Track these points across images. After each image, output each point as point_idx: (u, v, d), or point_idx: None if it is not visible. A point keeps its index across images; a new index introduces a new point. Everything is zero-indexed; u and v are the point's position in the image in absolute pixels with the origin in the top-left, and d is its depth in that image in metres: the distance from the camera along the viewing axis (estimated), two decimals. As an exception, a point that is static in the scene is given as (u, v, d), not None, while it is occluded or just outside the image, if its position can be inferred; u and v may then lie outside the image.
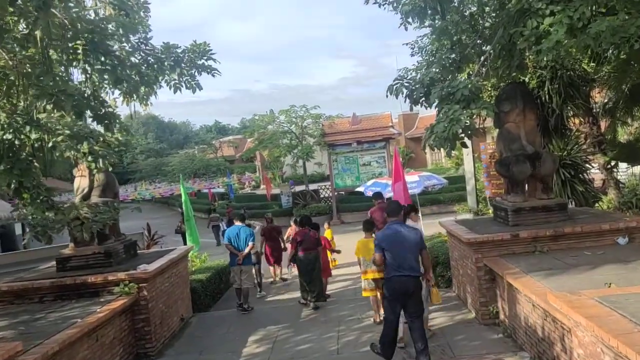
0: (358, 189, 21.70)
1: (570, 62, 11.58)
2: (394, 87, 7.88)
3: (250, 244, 10.23)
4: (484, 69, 8.33)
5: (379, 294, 8.02)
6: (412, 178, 18.01)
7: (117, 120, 11.35)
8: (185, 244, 18.33)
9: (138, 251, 9.69)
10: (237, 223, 10.63)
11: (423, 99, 7.88)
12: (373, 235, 8.10)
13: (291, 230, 13.91)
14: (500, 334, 7.16)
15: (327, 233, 13.87)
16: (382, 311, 7.62)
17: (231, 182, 36.47)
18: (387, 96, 7.87)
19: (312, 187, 31.61)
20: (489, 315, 7.65)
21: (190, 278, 10.53)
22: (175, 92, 10.44)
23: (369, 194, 19.39)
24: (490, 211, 14.16)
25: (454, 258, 9.34)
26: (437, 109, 7.44)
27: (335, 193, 28.70)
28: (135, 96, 10.81)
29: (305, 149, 29.74)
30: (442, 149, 6.97)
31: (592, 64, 11.65)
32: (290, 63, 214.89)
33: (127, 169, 71.65)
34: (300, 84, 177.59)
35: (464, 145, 7.37)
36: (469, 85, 7.12)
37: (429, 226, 19.71)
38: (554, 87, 11.31)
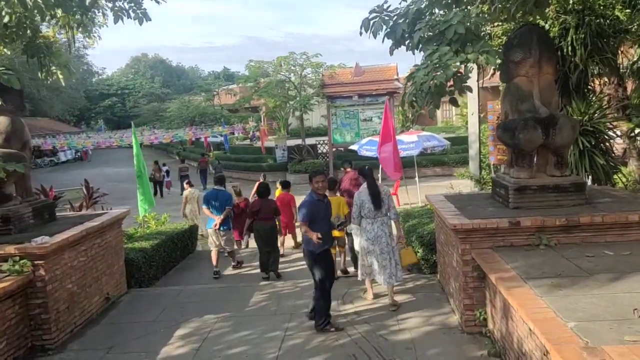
0: (352, 147, 19.89)
1: (601, 7, 9.57)
2: (371, 21, 5.98)
3: (227, 209, 9.85)
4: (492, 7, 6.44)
5: (338, 249, 9.00)
6: (410, 138, 16.24)
7: (54, 55, 9.68)
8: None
9: (64, 214, 8.10)
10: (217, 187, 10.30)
11: (408, 39, 5.97)
12: (337, 194, 9.10)
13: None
14: (485, 350, 5.53)
15: (278, 192, 12.39)
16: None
17: (224, 132, 34.62)
18: (360, 34, 5.99)
19: (310, 141, 29.79)
20: (474, 321, 6.01)
21: (130, 246, 8.97)
22: (116, 21, 8.74)
23: (363, 153, 17.69)
24: (494, 179, 12.45)
25: (440, 241, 7.66)
26: (422, 52, 5.60)
27: (334, 149, 26.88)
28: (75, 26, 9.15)
29: (304, 100, 27.74)
30: (423, 107, 5.14)
31: (627, 11, 9.64)
32: (306, 11, 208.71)
33: (129, 113, 69.90)
34: (314, 34, 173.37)
35: (454, 103, 5.54)
36: (467, 22, 5.25)
37: (428, 189, 18.00)
38: (579, 37, 9.30)
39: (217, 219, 9.62)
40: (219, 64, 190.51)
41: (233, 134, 38.12)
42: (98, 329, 6.87)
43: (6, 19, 6.95)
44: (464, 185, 14.69)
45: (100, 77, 79.56)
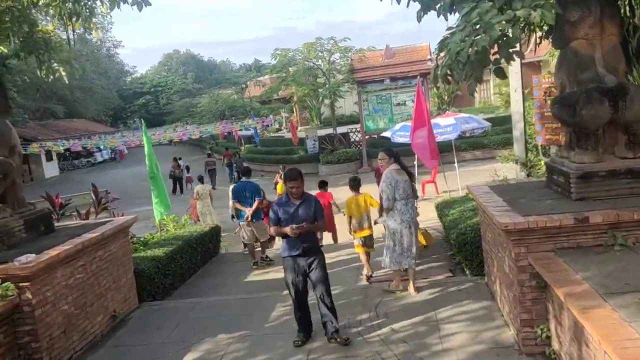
0: (384, 134, 18.74)
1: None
2: (393, -18, 4.95)
3: (257, 199, 9.81)
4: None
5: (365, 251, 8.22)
6: (446, 121, 15.02)
7: (55, 50, 9.03)
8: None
9: (65, 223, 7.39)
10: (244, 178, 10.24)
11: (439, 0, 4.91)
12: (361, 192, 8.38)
13: (278, 177, 14.45)
14: (552, 377, 4.50)
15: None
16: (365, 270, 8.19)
17: (253, 125, 33.88)
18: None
19: (343, 130, 28.71)
20: (534, 340, 4.96)
21: (142, 255, 8.21)
22: (112, 8, 8.00)
23: (397, 139, 16.55)
24: (543, 162, 11.11)
25: (487, 240, 6.58)
26: (458, 14, 4.53)
27: (367, 137, 25.74)
28: (75, 18, 8.46)
29: (333, 86, 26.64)
30: (460, 81, 4.09)
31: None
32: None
33: (163, 110, 70.21)
34: (346, 20, 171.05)
35: (500, 74, 4.47)
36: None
37: (468, 175, 16.80)
38: (640, -6, 8.02)
39: (249, 210, 9.67)
40: (251, 56, 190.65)
41: (268, 126, 37.34)
42: (101, 353, 6.10)
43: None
44: (508, 169, 13.42)
45: (132, 75, 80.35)
